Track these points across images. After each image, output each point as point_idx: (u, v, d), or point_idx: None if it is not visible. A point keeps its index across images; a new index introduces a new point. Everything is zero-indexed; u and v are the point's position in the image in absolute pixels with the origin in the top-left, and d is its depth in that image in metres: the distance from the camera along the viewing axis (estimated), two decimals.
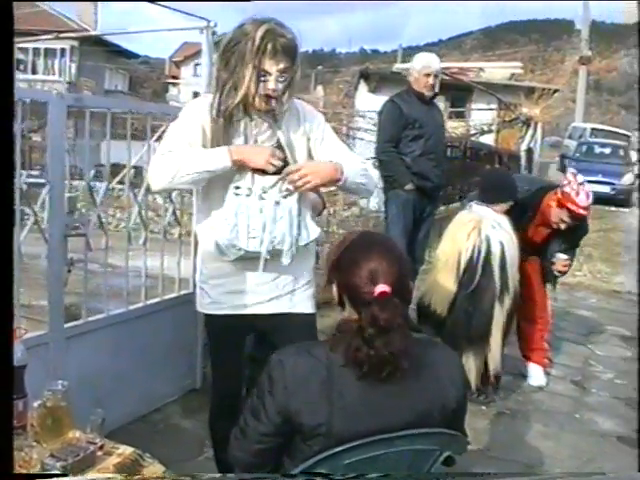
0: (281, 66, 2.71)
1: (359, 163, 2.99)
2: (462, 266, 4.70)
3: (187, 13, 4.31)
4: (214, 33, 4.31)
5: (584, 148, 23.50)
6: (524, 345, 5.57)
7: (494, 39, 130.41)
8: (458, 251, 4.72)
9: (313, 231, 2.92)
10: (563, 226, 5.05)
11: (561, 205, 4.91)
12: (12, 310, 1.90)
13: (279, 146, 2.84)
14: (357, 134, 14.09)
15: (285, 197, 2.81)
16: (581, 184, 4.90)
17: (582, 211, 4.92)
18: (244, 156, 2.75)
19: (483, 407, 4.92)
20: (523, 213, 5.10)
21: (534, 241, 5.27)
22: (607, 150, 22.32)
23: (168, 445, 3.79)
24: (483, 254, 4.66)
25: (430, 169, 5.95)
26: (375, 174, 3.29)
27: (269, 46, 2.67)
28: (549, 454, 4.37)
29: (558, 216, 4.98)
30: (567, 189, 4.88)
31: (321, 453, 1.98)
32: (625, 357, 6.46)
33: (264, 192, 2.81)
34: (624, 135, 29.29)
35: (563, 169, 23.18)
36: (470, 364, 4.85)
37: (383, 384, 2.01)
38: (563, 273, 5.40)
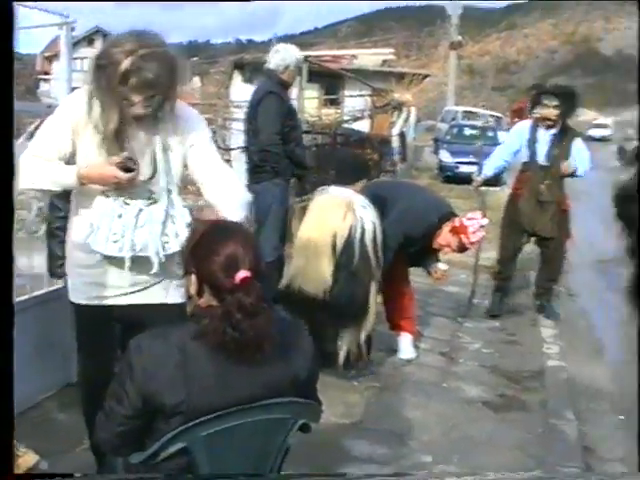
0: (147, 95, 2.74)
1: (236, 182, 3.14)
2: (338, 247, 4.86)
3: (45, 10, 4.28)
4: (73, 29, 4.32)
5: (455, 130, 24.23)
6: (395, 315, 5.76)
7: (369, 26, 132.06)
8: (332, 233, 4.86)
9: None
10: (446, 250, 5.45)
11: (455, 233, 5.26)
12: (12, 312, 1.91)
13: (129, 158, 2.84)
14: (233, 125, 14.12)
15: (149, 205, 2.89)
16: (482, 227, 5.29)
17: (469, 246, 5.41)
18: (90, 180, 2.84)
19: (355, 382, 5.13)
20: (423, 241, 5.40)
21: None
22: (477, 132, 23.05)
23: (46, 439, 3.80)
24: (359, 234, 4.84)
25: (304, 157, 6.12)
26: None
27: (133, 80, 2.68)
28: (417, 422, 4.62)
29: (446, 240, 5.33)
30: (467, 222, 5.23)
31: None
32: (492, 327, 6.82)
33: (130, 198, 2.88)
34: (496, 117, 30.34)
35: (436, 152, 23.84)
36: (346, 341, 5.06)
37: (240, 362, 2.15)
38: (439, 280, 5.83)
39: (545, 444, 4.49)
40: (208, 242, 2.23)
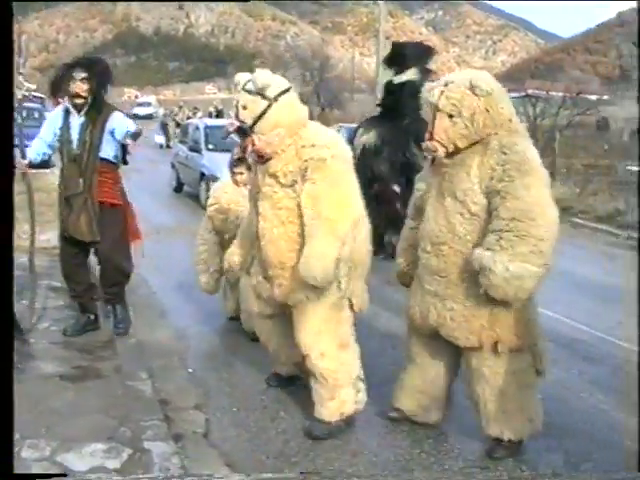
0: None
1: None
2: None
3: None
4: None
5: None
6: None
7: None
8: None
9: None
10: None
11: None
12: (12, 311, 1.64)
13: None
14: None
15: None
16: None
17: None
18: None
19: None
20: None
21: None
22: (24, 113, 22.39)
23: None
24: None
25: None
26: None
27: None
28: None
29: None
30: None
31: None
32: (56, 306, 6.89)
33: None
34: (39, 97, 29.69)
35: None
36: None
37: None
38: None
39: (125, 404, 4.80)
40: None
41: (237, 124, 4.55)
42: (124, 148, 6.09)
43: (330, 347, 4.56)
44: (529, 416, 4.37)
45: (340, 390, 4.60)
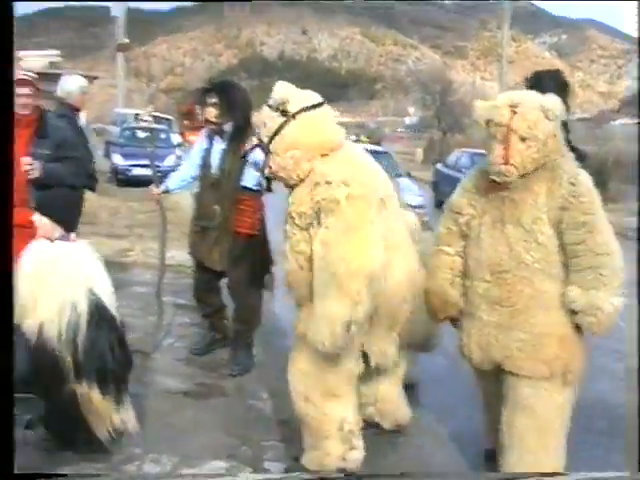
0: None
1: None
2: None
3: None
4: None
5: (127, 133, 24.04)
6: None
7: (31, 27, 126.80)
8: None
9: None
10: None
11: None
12: (12, 314, 1.75)
13: None
14: None
15: None
16: None
17: None
18: None
19: None
20: None
21: None
22: (149, 135, 23.07)
23: None
24: None
25: None
26: None
27: None
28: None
29: None
30: None
31: None
32: (181, 323, 6.98)
33: None
34: (166, 119, 30.63)
35: (108, 155, 23.54)
36: None
37: None
38: None
39: (246, 423, 4.79)
40: None
41: (255, 142, 4.21)
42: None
43: (313, 393, 4.13)
44: (563, 454, 3.99)
45: (324, 442, 4.11)
